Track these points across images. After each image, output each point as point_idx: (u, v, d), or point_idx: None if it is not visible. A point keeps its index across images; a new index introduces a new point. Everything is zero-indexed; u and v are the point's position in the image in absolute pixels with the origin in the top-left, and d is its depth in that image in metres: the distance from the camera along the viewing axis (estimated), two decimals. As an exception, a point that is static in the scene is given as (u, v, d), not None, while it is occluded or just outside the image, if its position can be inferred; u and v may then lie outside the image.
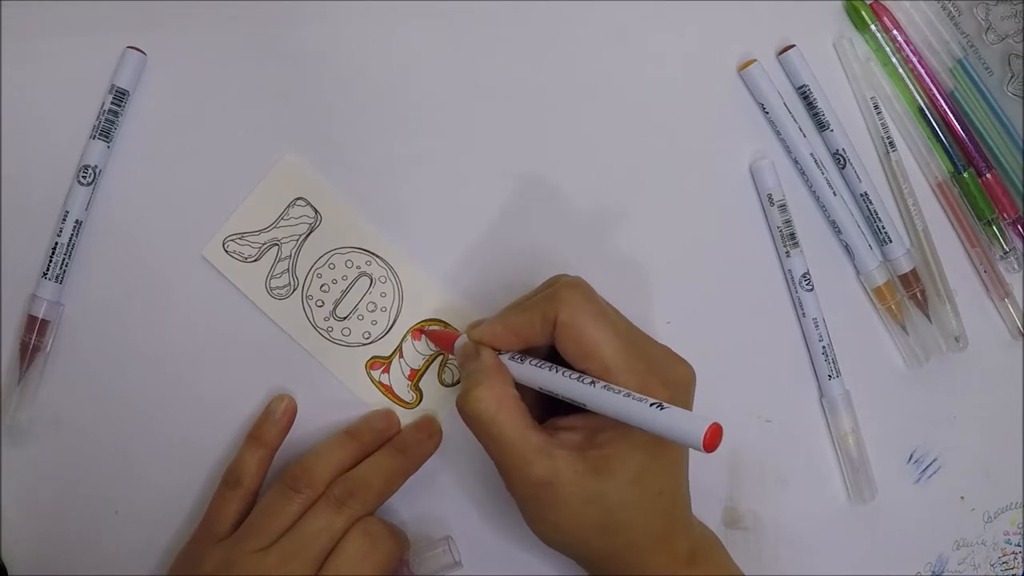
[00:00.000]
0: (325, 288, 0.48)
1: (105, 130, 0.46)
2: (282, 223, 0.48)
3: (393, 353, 0.49)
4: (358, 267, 0.48)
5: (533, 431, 0.40)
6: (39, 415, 0.47)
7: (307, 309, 0.48)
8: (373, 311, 0.48)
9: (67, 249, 0.46)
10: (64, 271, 0.46)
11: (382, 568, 0.43)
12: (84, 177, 0.46)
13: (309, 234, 0.48)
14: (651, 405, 0.37)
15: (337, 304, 0.48)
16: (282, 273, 0.48)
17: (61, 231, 0.46)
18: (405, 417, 0.49)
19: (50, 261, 0.46)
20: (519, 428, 0.40)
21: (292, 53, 0.48)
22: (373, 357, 0.49)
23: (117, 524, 0.48)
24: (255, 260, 0.47)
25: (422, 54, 0.49)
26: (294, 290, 0.48)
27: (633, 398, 0.38)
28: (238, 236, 0.47)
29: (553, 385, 0.41)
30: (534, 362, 0.42)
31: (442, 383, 0.49)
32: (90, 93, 0.47)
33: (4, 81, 0.47)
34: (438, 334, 0.48)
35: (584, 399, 0.40)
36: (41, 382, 0.47)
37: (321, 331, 0.48)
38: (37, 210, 0.47)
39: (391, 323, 0.49)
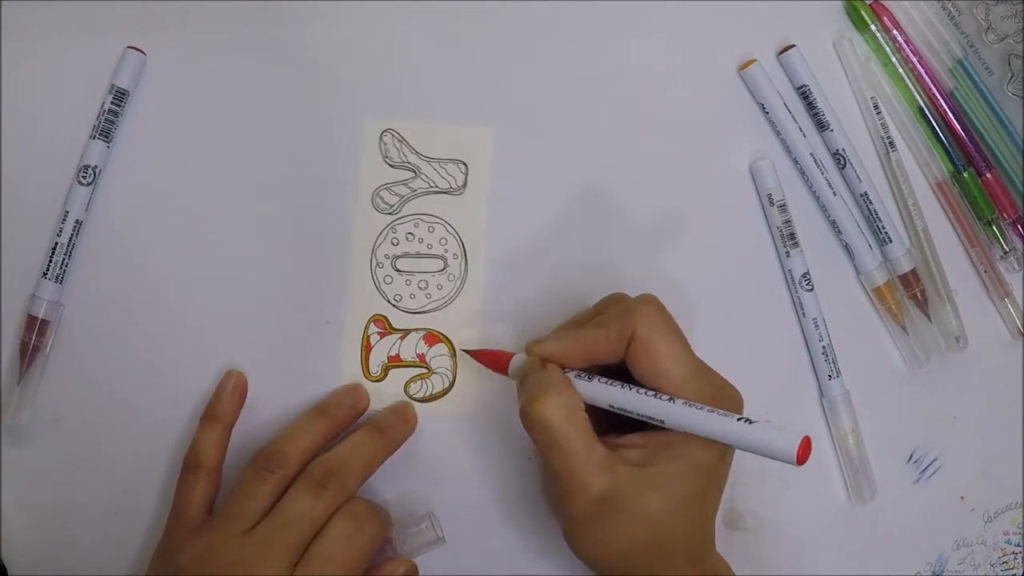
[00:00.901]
0: (410, 237, 0.48)
1: (105, 130, 0.46)
2: (435, 164, 0.48)
3: (399, 331, 0.49)
4: (446, 250, 0.49)
5: (599, 445, 0.40)
6: (39, 415, 0.47)
7: (384, 235, 0.48)
8: (422, 289, 0.48)
9: (67, 249, 0.46)
10: (64, 271, 0.46)
11: (368, 549, 0.43)
12: (84, 177, 0.46)
13: (443, 192, 0.48)
14: (739, 420, 0.38)
15: (405, 256, 0.48)
16: (396, 195, 0.48)
17: (61, 231, 0.46)
18: (362, 383, 0.49)
19: (50, 261, 0.46)
20: (586, 441, 0.40)
21: (292, 53, 0.48)
22: (383, 316, 0.49)
23: (117, 524, 0.48)
24: (391, 165, 0.48)
25: (422, 54, 0.49)
26: (391, 213, 0.48)
27: (718, 414, 0.38)
28: (399, 137, 0.48)
29: (628, 402, 0.41)
30: (603, 380, 0.42)
31: (406, 390, 0.49)
32: (90, 93, 0.47)
33: (4, 81, 0.47)
34: (488, 354, 0.47)
35: (663, 415, 0.40)
36: (41, 382, 0.47)
37: (374, 259, 0.48)
38: (37, 210, 0.47)
39: (421, 310, 0.49)
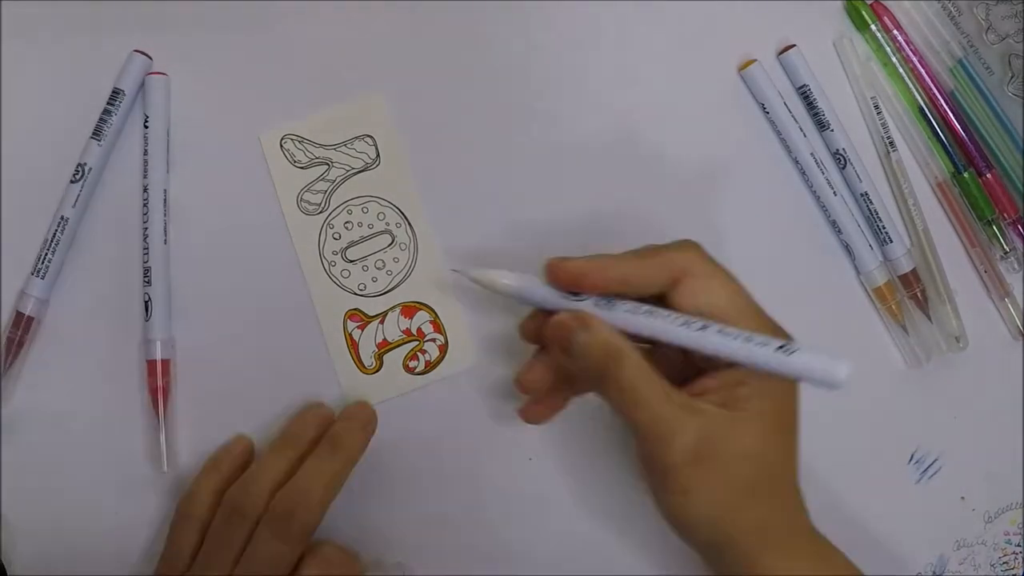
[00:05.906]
0: (349, 225, 0.49)
1: (104, 130, 0.46)
2: (342, 149, 0.48)
3: (376, 316, 0.49)
4: (387, 223, 0.49)
5: (675, 392, 0.38)
6: (39, 414, 0.47)
7: (323, 234, 0.48)
8: (380, 269, 0.49)
9: (51, 246, 0.46)
10: (48, 266, 0.46)
11: None
12: (76, 176, 0.46)
13: (361, 171, 0.49)
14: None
15: (352, 245, 0.49)
16: (319, 192, 0.48)
17: (54, 229, 0.46)
18: (361, 379, 0.49)
19: (39, 259, 0.46)
20: (666, 389, 0.38)
21: (293, 54, 0.48)
22: (356, 309, 0.49)
23: (117, 524, 0.48)
24: (302, 167, 0.48)
25: (421, 55, 0.49)
26: (321, 212, 0.48)
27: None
28: (299, 139, 0.48)
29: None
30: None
31: (405, 367, 0.49)
32: (90, 93, 0.47)
33: (4, 81, 0.47)
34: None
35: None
36: (36, 380, 0.47)
37: (324, 260, 0.48)
38: (36, 210, 0.47)
39: (388, 288, 0.49)
